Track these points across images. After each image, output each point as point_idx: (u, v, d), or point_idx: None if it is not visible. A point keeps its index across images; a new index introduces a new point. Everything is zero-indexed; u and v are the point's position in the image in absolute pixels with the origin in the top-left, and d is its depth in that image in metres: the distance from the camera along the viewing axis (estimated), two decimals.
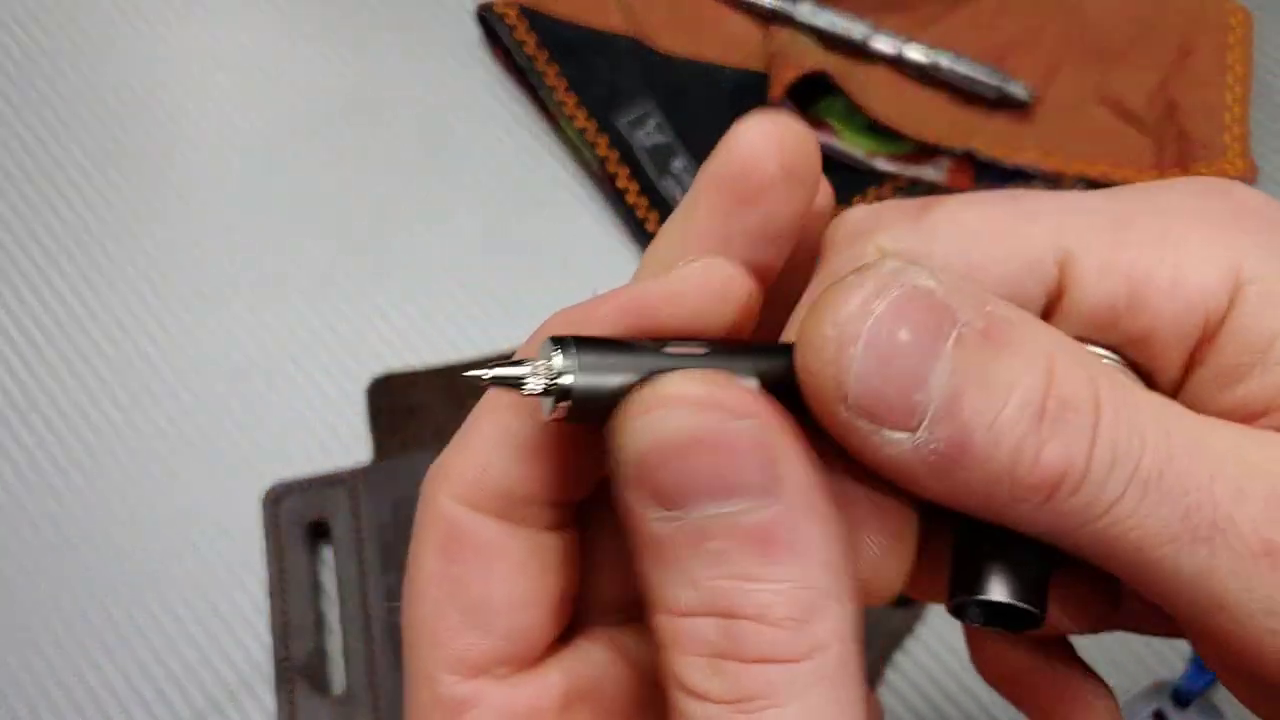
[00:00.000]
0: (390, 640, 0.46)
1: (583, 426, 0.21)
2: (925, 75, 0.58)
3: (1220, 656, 0.20)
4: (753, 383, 0.20)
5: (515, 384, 0.20)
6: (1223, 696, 0.44)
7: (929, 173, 0.57)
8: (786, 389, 0.20)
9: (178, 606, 0.47)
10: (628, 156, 0.56)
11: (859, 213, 0.23)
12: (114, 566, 0.48)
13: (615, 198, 0.55)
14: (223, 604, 0.48)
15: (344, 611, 0.46)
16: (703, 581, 0.19)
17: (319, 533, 0.48)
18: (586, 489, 0.23)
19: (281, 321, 0.54)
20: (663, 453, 0.19)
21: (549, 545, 0.23)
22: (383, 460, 0.50)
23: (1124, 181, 0.54)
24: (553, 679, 0.23)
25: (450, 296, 0.54)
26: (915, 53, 0.57)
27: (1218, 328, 0.20)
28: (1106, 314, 0.20)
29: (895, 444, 0.19)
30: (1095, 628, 0.23)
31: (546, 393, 0.20)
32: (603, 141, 0.56)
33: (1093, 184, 0.55)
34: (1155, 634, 0.24)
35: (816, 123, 0.57)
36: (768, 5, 0.59)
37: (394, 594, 0.46)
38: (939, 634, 0.47)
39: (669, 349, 0.20)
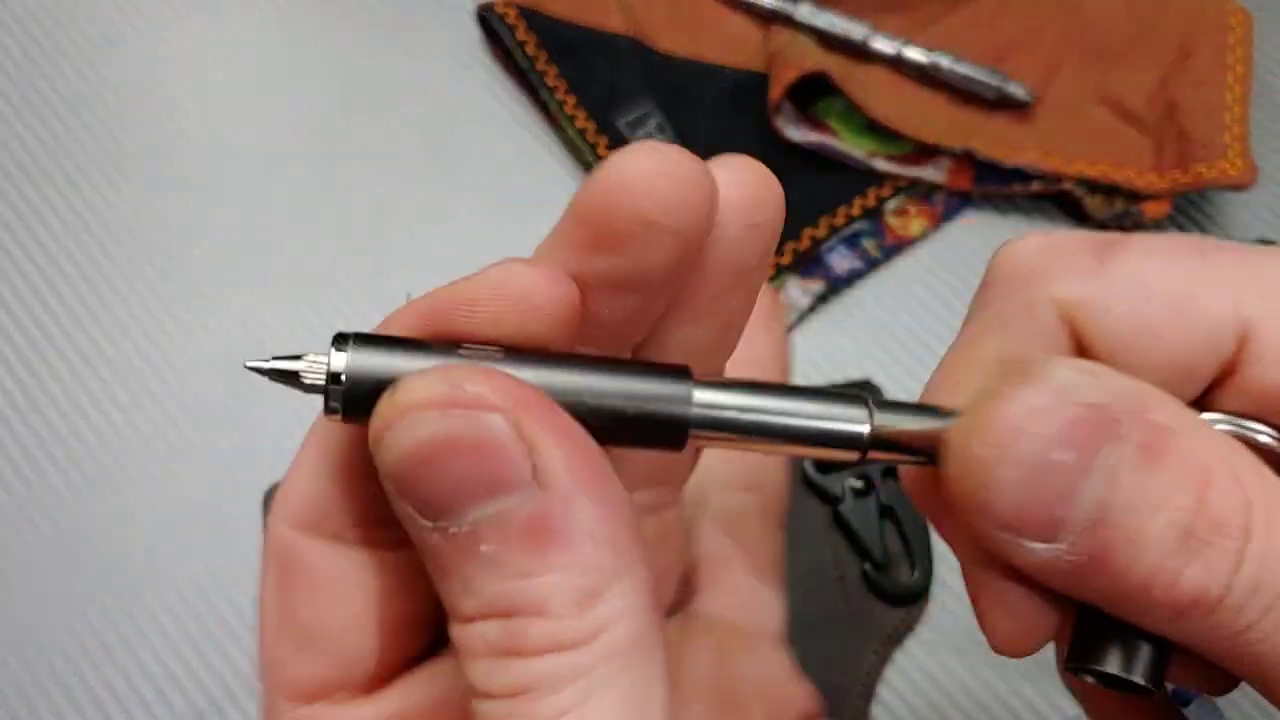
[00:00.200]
0: None
1: None
2: (925, 75, 0.58)
3: None
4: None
5: (293, 378, 0.20)
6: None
7: (929, 173, 0.57)
8: (588, 409, 0.20)
9: (178, 606, 0.47)
10: None
11: (1032, 247, 0.22)
12: (114, 566, 0.48)
13: None
14: (222, 604, 0.48)
15: None
16: (482, 587, 0.18)
17: None
18: None
19: (281, 321, 0.54)
20: (416, 464, 0.18)
21: (388, 566, 0.22)
22: None
23: (1124, 181, 0.55)
24: (390, 701, 0.22)
25: None
26: (915, 53, 0.57)
27: None
28: None
29: (1034, 553, 0.18)
30: (1217, 694, 0.22)
31: (324, 388, 0.19)
32: (603, 142, 0.56)
33: (1093, 184, 0.55)
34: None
35: (816, 123, 0.57)
36: (768, 5, 0.59)
37: None
38: (939, 634, 0.47)
39: (463, 351, 0.20)
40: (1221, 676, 0.20)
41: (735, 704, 0.27)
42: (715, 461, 0.29)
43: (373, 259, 0.55)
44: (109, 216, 0.56)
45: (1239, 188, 0.53)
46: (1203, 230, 0.57)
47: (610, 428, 0.20)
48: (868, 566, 0.47)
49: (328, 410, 0.20)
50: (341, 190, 0.57)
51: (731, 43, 0.60)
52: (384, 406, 0.19)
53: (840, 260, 0.55)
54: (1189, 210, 0.57)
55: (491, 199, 0.57)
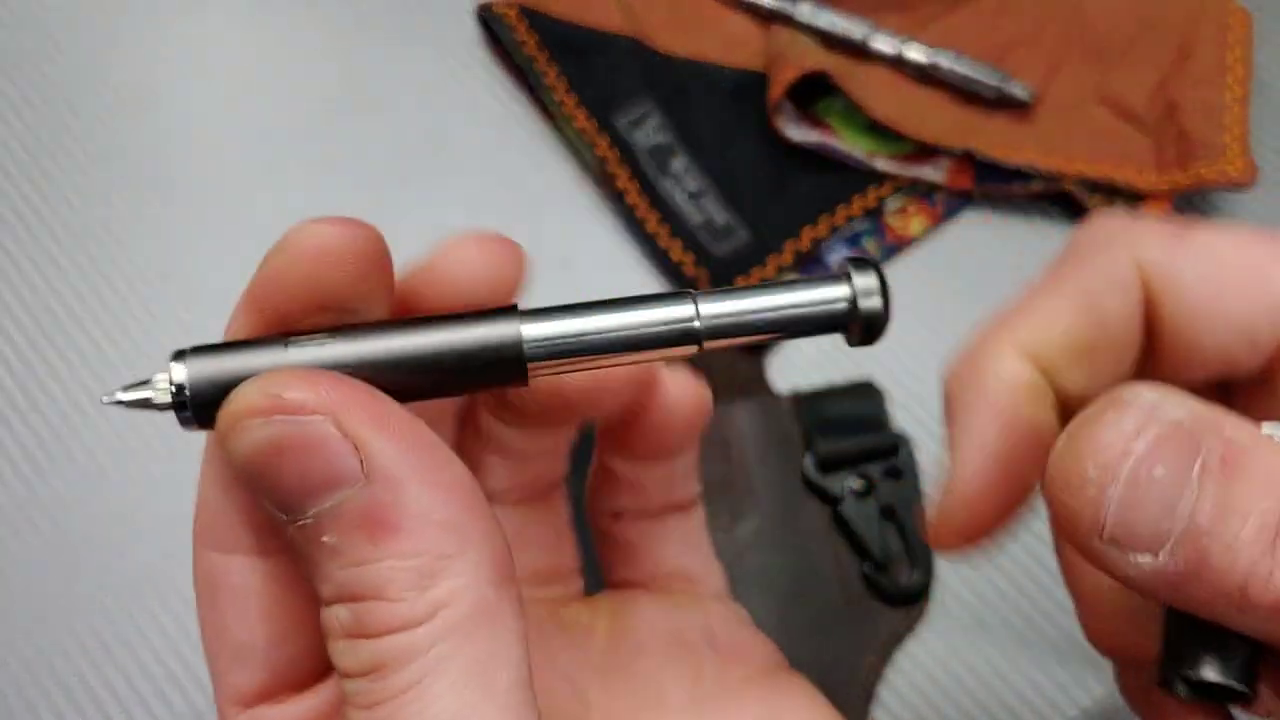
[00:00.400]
0: None
1: None
2: (925, 75, 0.58)
3: None
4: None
5: (148, 403, 0.21)
6: None
7: (929, 173, 0.57)
8: (425, 366, 0.21)
9: (177, 606, 0.47)
10: (627, 156, 0.56)
11: (1117, 219, 0.24)
12: (114, 566, 0.48)
13: (615, 198, 0.55)
14: None
15: None
16: (331, 574, 0.20)
17: None
18: None
19: None
20: (257, 467, 0.20)
21: (297, 569, 0.23)
22: None
23: (1125, 182, 0.55)
24: (327, 692, 0.23)
25: None
26: (915, 53, 0.57)
27: None
28: None
29: (1139, 566, 0.20)
30: None
31: (172, 405, 0.21)
32: (602, 141, 0.56)
33: (1093, 184, 0.55)
34: None
35: (817, 122, 0.57)
36: (768, 5, 0.59)
37: None
38: (939, 634, 0.47)
39: (291, 342, 0.21)
40: None
41: (687, 651, 0.29)
42: None
43: None
44: (109, 216, 0.56)
45: (1239, 188, 0.53)
46: None
47: (451, 379, 0.21)
48: (868, 567, 0.47)
49: (183, 424, 0.21)
50: (341, 190, 0.57)
51: (731, 42, 0.60)
52: (220, 417, 0.20)
53: (840, 260, 0.55)
54: (1189, 210, 0.57)
55: (491, 199, 0.57)
